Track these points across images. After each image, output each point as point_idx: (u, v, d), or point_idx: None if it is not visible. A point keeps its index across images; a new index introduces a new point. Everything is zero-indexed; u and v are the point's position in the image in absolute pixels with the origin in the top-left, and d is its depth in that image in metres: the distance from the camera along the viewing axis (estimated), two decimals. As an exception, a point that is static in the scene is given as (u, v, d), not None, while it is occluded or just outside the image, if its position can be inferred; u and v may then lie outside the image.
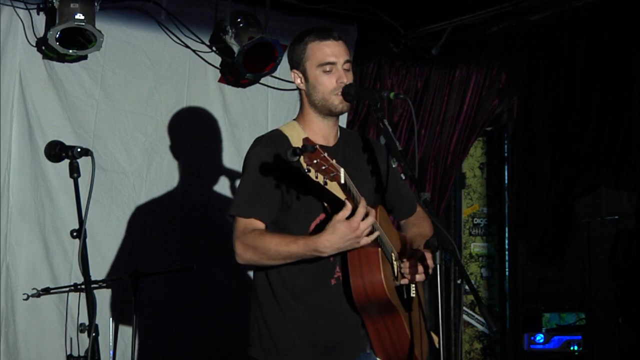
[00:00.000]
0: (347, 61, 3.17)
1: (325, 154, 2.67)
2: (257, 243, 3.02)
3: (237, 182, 3.24)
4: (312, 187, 3.00)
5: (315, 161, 2.65)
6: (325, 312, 3.11)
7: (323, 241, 2.87)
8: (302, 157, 2.64)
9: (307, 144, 2.65)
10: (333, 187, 2.77)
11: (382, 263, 2.99)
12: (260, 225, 3.08)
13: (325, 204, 3.08)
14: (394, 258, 3.15)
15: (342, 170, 2.71)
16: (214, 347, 5.24)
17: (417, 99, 6.10)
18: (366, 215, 2.87)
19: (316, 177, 2.69)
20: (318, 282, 3.11)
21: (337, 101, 3.15)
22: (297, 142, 3.13)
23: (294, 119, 3.29)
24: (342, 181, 2.72)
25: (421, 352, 3.17)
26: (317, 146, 2.65)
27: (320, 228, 3.05)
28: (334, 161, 2.70)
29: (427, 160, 6.06)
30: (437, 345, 3.20)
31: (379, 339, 3.09)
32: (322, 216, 3.11)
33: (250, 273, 3.28)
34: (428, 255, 3.10)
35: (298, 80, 3.21)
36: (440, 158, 6.06)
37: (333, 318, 3.11)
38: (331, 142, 3.24)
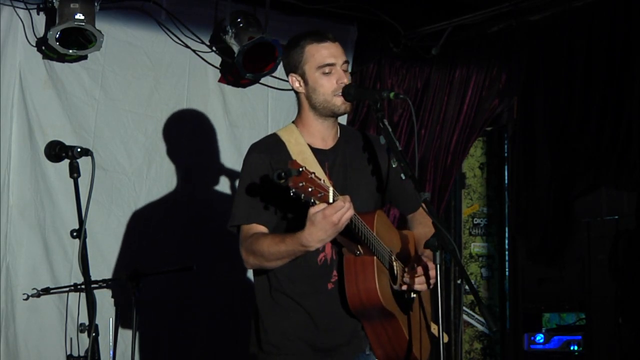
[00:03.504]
0: (345, 62, 3.19)
1: (313, 175, 2.67)
2: (255, 247, 3.04)
3: (237, 184, 3.24)
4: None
5: (301, 184, 2.65)
6: (325, 315, 3.12)
7: (305, 235, 2.84)
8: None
9: (292, 167, 2.65)
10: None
11: (377, 271, 3.00)
12: (261, 229, 3.08)
13: None
14: (393, 260, 3.15)
15: (331, 190, 2.72)
16: (214, 347, 5.24)
17: (417, 99, 6.10)
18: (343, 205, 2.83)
19: (302, 199, 2.70)
20: (316, 286, 3.12)
21: (339, 102, 3.16)
22: (294, 146, 3.15)
23: (292, 122, 3.29)
24: (331, 200, 2.73)
25: (420, 352, 3.18)
26: (303, 168, 2.65)
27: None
28: (322, 181, 2.70)
29: (427, 160, 6.06)
30: (437, 335, 3.22)
31: (378, 340, 3.11)
32: None
33: (249, 273, 3.29)
34: (431, 266, 3.10)
35: (297, 84, 3.21)
36: (440, 158, 6.06)
37: (333, 321, 3.12)
38: (330, 144, 3.24)
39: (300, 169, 2.64)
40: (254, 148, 3.20)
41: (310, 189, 2.68)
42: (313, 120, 3.21)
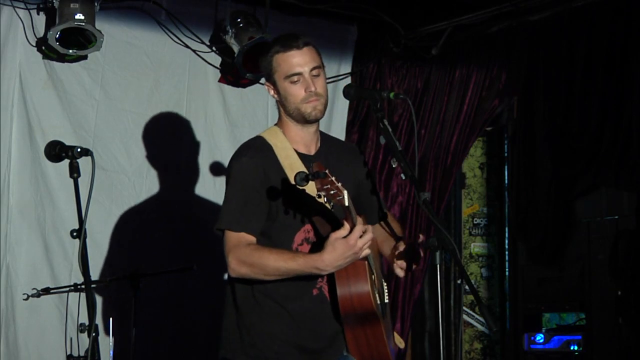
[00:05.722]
0: (314, 67, 3.15)
1: (333, 178, 2.71)
2: (254, 259, 3.03)
3: (226, 186, 3.22)
4: (298, 199, 3.04)
5: (326, 186, 2.70)
6: (308, 319, 3.13)
7: (323, 259, 2.90)
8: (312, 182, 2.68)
9: (319, 170, 2.68)
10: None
11: (368, 275, 3.01)
12: (252, 239, 3.09)
13: (313, 217, 3.10)
14: (374, 268, 3.17)
15: (345, 193, 2.75)
16: (214, 347, 5.23)
17: (417, 99, 6.09)
18: (364, 232, 2.88)
19: (325, 201, 2.75)
20: (301, 291, 3.12)
21: (309, 109, 3.15)
22: (281, 150, 3.15)
23: (275, 124, 3.28)
24: (347, 204, 2.76)
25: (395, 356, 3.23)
26: (327, 171, 2.68)
27: (315, 244, 3.08)
28: (340, 184, 2.73)
29: (427, 160, 6.06)
30: (401, 347, 3.33)
31: (356, 344, 3.11)
32: (307, 227, 3.13)
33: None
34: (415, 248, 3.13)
35: (271, 92, 3.22)
36: (440, 158, 6.05)
37: (316, 325, 3.14)
38: (312, 150, 3.24)
39: (326, 171, 2.68)
40: (244, 153, 3.18)
41: (332, 192, 2.72)
42: (293, 126, 3.22)
